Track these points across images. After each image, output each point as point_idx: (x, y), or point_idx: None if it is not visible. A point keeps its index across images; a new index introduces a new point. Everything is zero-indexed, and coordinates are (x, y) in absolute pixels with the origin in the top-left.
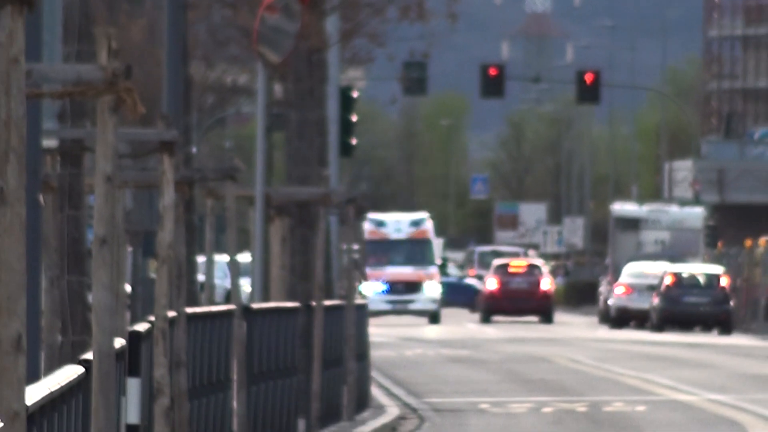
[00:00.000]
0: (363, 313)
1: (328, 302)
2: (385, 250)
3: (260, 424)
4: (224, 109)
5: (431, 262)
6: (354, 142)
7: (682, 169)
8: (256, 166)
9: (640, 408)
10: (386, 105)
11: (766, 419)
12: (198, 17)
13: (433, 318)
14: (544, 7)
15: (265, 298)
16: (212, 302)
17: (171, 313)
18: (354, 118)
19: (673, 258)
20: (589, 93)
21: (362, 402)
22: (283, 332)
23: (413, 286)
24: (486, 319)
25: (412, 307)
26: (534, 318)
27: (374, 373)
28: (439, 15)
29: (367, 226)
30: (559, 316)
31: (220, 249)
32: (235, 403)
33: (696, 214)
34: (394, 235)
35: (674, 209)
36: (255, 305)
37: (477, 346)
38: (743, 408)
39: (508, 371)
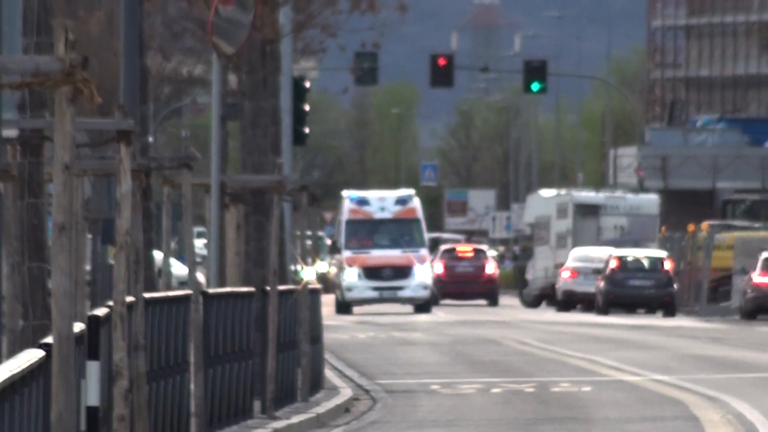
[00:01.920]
0: (316, 297)
1: (282, 287)
2: (369, 232)
3: (217, 405)
4: (180, 100)
5: (421, 244)
6: (307, 131)
7: (627, 155)
8: (211, 155)
9: (586, 388)
10: (338, 94)
11: (709, 398)
12: (154, 9)
13: (425, 306)
14: None
15: (221, 283)
16: (169, 287)
17: (129, 298)
18: (307, 108)
19: (632, 243)
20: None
21: (316, 384)
22: (238, 316)
23: (402, 271)
24: (434, 302)
25: (402, 294)
26: (482, 301)
27: (328, 356)
28: (389, 6)
29: (347, 205)
30: (507, 300)
31: (176, 235)
32: (192, 385)
33: (652, 200)
34: (379, 215)
35: (630, 196)
36: (211, 290)
37: (427, 328)
38: (686, 388)
39: (458, 353)
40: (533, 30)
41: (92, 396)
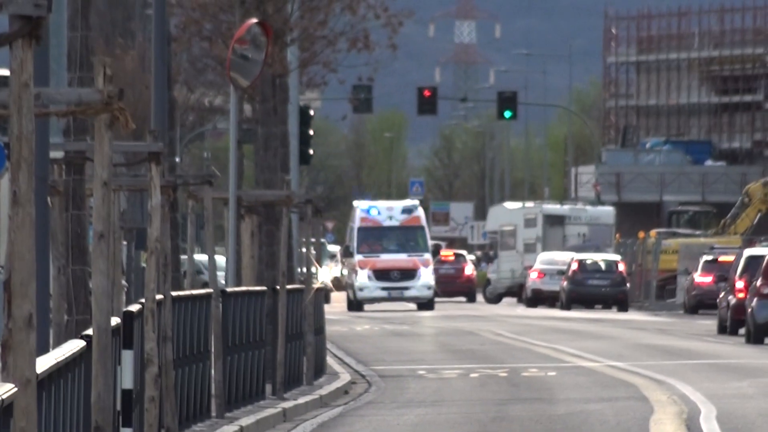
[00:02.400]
0: (320, 295)
1: (290, 286)
2: (379, 238)
3: (234, 388)
4: (203, 126)
5: (425, 249)
6: (311, 152)
7: (586, 173)
8: (229, 173)
9: (552, 373)
10: (338, 121)
11: (657, 381)
12: (180, 49)
13: (428, 305)
14: (470, 39)
15: (238, 283)
16: (194, 287)
17: (159, 296)
18: (311, 132)
19: (594, 248)
20: (506, 106)
21: (319, 369)
22: (252, 311)
23: (408, 273)
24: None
25: (408, 294)
26: (462, 298)
27: (329, 345)
28: (382, 46)
29: (359, 214)
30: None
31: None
32: (213, 371)
33: (608, 212)
34: (387, 223)
35: (590, 208)
36: (229, 289)
37: (414, 322)
38: (637, 372)
39: (441, 343)
40: (505, 66)
41: (126, 380)
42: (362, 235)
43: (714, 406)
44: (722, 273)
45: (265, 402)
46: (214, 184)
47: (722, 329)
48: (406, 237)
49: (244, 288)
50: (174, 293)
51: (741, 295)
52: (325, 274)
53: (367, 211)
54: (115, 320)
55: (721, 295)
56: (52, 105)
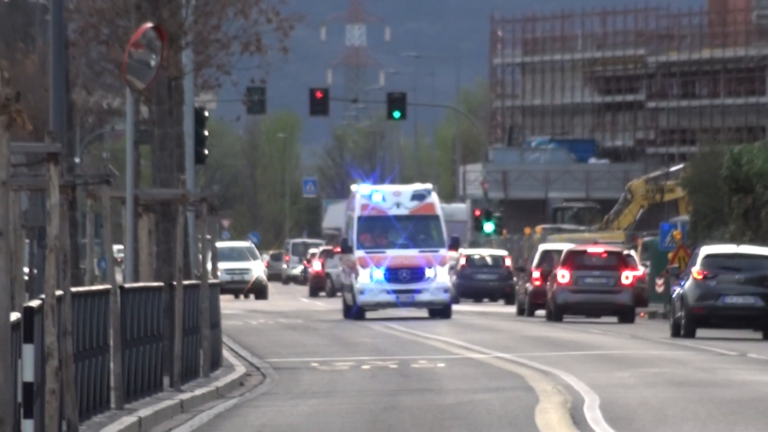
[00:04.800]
0: (215, 290)
1: (186, 282)
2: (384, 230)
3: (133, 380)
4: (102, 127)
5: (440, 243)
6: (206, 152)
7: (474, 171)
8: (126, 173)
9: (441, 365)
10: (233, 122)
11: (542, 372)
12: (78, 53)
13: (444, 311)
14: (360, 42)
15: (136, 279)
16: (92, 283)
17: (59, 292)
18: (206, 133)
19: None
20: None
21: (215, 362)
22: (150, 306)
23: (420, 273)
24: (314, 294)
25: (420, 298)
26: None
27: (225, 339)
28: (274, 49)
29: (359, 200)
30: None
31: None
32: (112, 364)
33: (462, 209)
34: (394, 211)
35: (445, 205)
36: (127, 285)
37: (308, 316)
38: (524, 363)
39: (334, 336)
40: (395, 68)
41: (27, 373)
42: (363, 226)
43: (597, 396)
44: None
45: (163, 394)
46: (112, 183)
47: (521, 312)
48: (417, 228)
49: (141, 284)
50: (73, 289)
51: (537, 283)
52: (259, 268)
53: (369, 197)
54: (15, 315)
55: (519, 284)
56: None
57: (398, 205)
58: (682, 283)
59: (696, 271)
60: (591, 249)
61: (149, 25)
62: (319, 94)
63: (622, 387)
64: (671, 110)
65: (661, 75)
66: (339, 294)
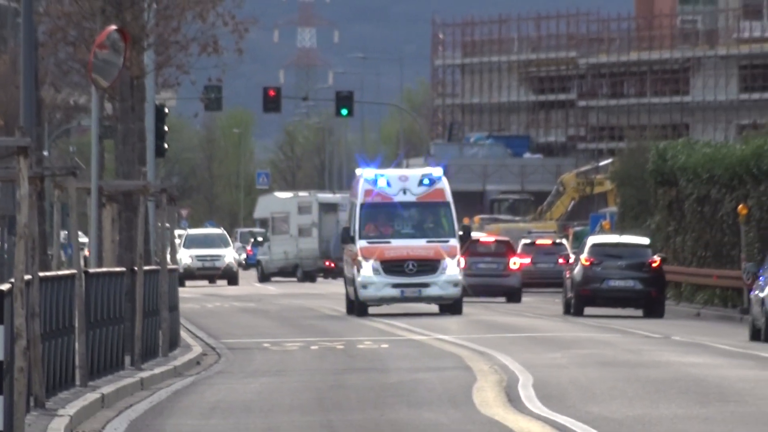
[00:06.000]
0: (174, 275)
1: (147, 267)
2: (389, 218)
3: (96, 359)
4: (69, 123)
5: (451, 233)
6: (166, 146)
7: (416, 165)
8: (91, 165)
9: (385, 345)
10: (191, 118)
11: (480, 353)
12: (47, 53)
13: (454, 307)
14: (311, 44)
15: (100, 264)
16: (59, 268)
17: (27, 277)
18: (166, 128)
19: None
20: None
21: (174, 342)
22: (113, 290)
23: (428, 265)
24: (266, 279)
25: (428, 292)
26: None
27: (183, 321)
28: (230, 50)
29: (362, 185)
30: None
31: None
32: (77, 344)
33: None
34: (400, 197)
35: None
36: (92, 270)
37: (260, 300)
38: (462, 345)
39: (284, 318)
40: (343, 68)
41: None
42: (367, 214)
43: (531, 375)
44: (539, 254)
45: (124, 372)
46: (78, 175)
47: None
48: (426, 217)
49: (105, 269)
50: (41, 274)
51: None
52: (231, 255)
53: (374, 182)
54: None
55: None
56: None
57: (405, 191)
58: (573, 268)
59: (584, 258)
60: (483, 238)
61: (113, 27)
62: (271, 93)
63: (554, 367)
64: (601, 108)
65: (592, 76)
66: (274, 279)
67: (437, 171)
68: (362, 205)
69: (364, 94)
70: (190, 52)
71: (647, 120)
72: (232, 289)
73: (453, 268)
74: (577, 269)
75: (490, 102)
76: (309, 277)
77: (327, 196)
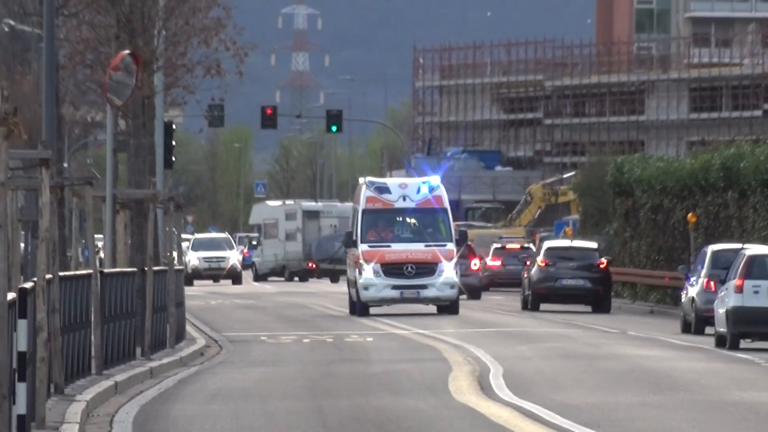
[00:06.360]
0: (180, 275)
1: (156, 268)
2: (389, 223)
3: (110, 351)
4: (86, 137)
5: (448, 238)
6: (174, 159)
7: (399, 176)
8: (107, 176)
9: (369, 339)
10: (196, 133)
11: (455, 346)
12: (67, 75)
13: (452, 308)
14: (304, 67)
15: (114, 265)
16: (77, 268)
17: (48, 276)
18: (173, 143)
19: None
20: (333, 121)
21: (180, 336)
22: (125, 288)
23: (426, 268)
24: (260, 279)
25: (426, 294)
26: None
27: (188, 316)
28: (231, 72)
29: (365, 192)
30: (317, 279)
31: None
32: (92, 337)
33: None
34: (401, 204)
35: (339, 204)
36: (106, 270)
37: (258, 297)
38: (439, 338)
39: (279, 314)
40: (333, 89)
41: (21, 344)
42: (368, 220)
43: (501, 366)
44: (508, 257)
45: (135, 362)
46: (94, 185)
47: None
48: (424, 222)
49: (118, 269)
50: (61, 273)
51: None
52: (235, 256)
53: (376, 189)
54: (11, 295)
55: None
56: None
57: (404, 197)
58: (530, 269)
59: (540, 259)
60: None
61: (126, 52)
62: (269, 111)
63: (522, 359)
64: (564, 126)
65: (557, 96)
66: (271, 279)
67: (435, 179)
68: (364, 211)
69: (352, 112)
70: (196, 74)
71: (606, 137)
72: (232, 288)
73: (450, 271)
74: (534, 270)
75: (465, 120)
76: (295, 277)
77: (310, 204)
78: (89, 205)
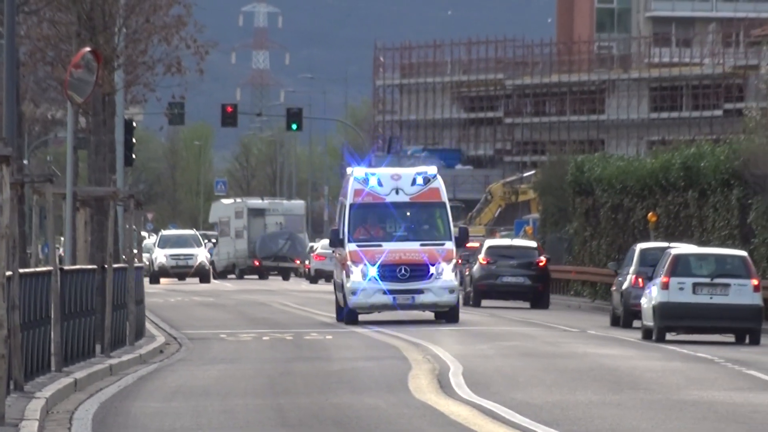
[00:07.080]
0: (140, 272)
1: (116, 265)
2: (380, 219)
3: (70, 348)
4: (47, 135)
5: (446, 236)
6: (134, 156)
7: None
8: (67, 173)
9: (329, 337)
10: (156, 131)
11: (414, 344)
12: (28, 72)
13: (451, 314)
14: (264, 65)
15: (74, 262)
16: (37, 265)
17: (8, 273)
18: (134, 140)
19: (288, 234)
20: (293, 120)
21: (140, 333)
22: (85, 285)
23: (422, 270)
24: (222, 276)
25: (422, 299)
26: (255, 276)
27: (148, 314)
28: (192, 70)
29: (352, 185)
30: (274, 277)
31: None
32: (52, 334)
33: (299, 204)
34: (393, 198)
35: (285, 202)
36: (66, 267)
37: (218, 295)
38: (399, 336)
39: (239, 312)
40: (293, 87)
41: None
42: (356, 216)
43: (461, 364)
44: (467, 255)
45: (95, 359)
46: (54, 182)
47: None
48: (420, 218)
49: (78, 266)
50: (21, 270)
51: None
52: (203, 254)
53: (365, 181)
54: None
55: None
56: None
57: (397, 190)
58: (472, 267)
59: (481, 257)
60: None
61: (87, 49)
62: (229, 109)
63: (482, 357)
64: (525, 125)
65: (517, 95)
66: (231, 276)
67: (432, 169)
68: (352, 206)
69: (312, 110)
70: (156, 72)
71: (567, 136)
72: (192, 286)
73: (448, 274)
74: (476, 267)
75: (425, 119)
76: (244, 275)
77: (256, 202)
78: (49, 203)
